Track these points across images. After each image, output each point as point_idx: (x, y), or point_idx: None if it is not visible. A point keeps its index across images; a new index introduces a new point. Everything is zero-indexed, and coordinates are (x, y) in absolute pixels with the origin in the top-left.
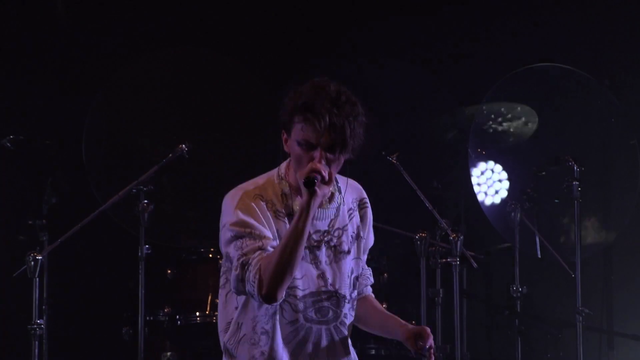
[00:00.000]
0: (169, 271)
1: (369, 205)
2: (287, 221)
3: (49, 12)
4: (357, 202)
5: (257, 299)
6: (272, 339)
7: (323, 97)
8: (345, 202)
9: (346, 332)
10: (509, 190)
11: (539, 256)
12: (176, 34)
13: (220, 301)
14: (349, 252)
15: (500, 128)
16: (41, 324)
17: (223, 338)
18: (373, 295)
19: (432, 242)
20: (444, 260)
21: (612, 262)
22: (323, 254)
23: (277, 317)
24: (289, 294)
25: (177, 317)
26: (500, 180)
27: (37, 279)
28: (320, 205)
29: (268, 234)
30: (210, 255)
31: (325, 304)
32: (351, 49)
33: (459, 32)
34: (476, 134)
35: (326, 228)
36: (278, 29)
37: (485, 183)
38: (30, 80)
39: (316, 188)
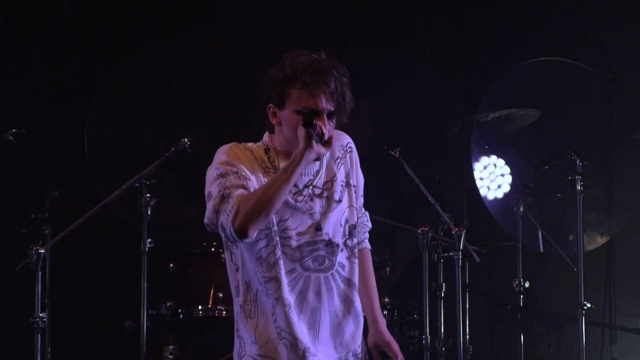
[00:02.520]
0: (172, 265)
1: (354, 148)
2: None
3: (52, 7)
4: (343, 148)
5: (228, 230)
6: (280, 284)
7: (322, 65)
8: (333, 152)
9: (345, 282)
10: (512, 184)
11: (542, 250)
12: (179, 29)
13: (228, 271)
14: (340, 200)
15: (501, 115)
16: (44, 317)
17: (238, 302)
18: (368, 252)
19: (434, 236)
20: (446, 254)
21: (614, 256)
22: (316, 204)
23: (280, 263)
24: (283, 243)
25: (180, 310)
26: (502, 175)
27: (40, 273)
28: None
29: (253, 178)
30: (213, 249)
31: (322, 252)
32: (354, 42)
33: (462, 26)
34: (478, 126)
35: (316, 179)
36: (281, 22)
37: (487, 177)
38: (32, 74)
39: (312, 140)
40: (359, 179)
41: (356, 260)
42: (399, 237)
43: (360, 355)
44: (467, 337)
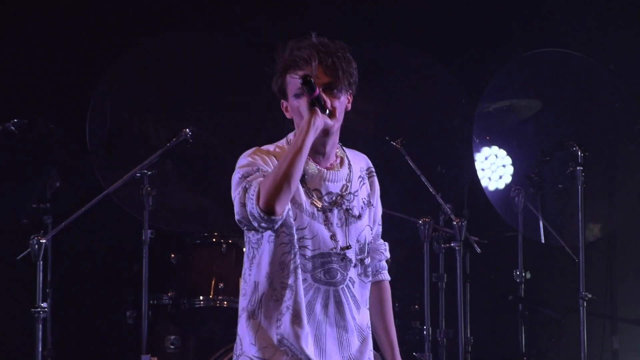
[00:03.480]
0: (173, 255)
1: (375, 174)
2: None
3: None
4: (366, 171)
5: (257, 214)
6: (296, 292)
7: (306, 41)
8: (354, 170)
9: (353, 297)
10: (513, 175)
11: (543, 241)
12: (181, 18)
13: (244, 266)
14: (359, 217)
15: (503, 106)
16: (45, 308)
17: (243, 302)
18: (387, 285)
19: (435, 227)
20: (447, 245)
21: (615, 247)
22: (335, 216)
23: (299, 271)
24: (299, 253)
25: (181, 301)
26: (504, 165)
27: (41, 263)
28: (332, 168)
29: None
30: (214, 240)
31: (335, 265)
32: (357, 34)
33: (465, 17)
34: (480, 117)
35: (338, 191)
36: (283, 12)
37: (489, 168)
38: (34, 64)
39: (316, 107)
40: (378, 209)
41: (367, 280)
42: (401, 228)
43: None
44: (468, 327)
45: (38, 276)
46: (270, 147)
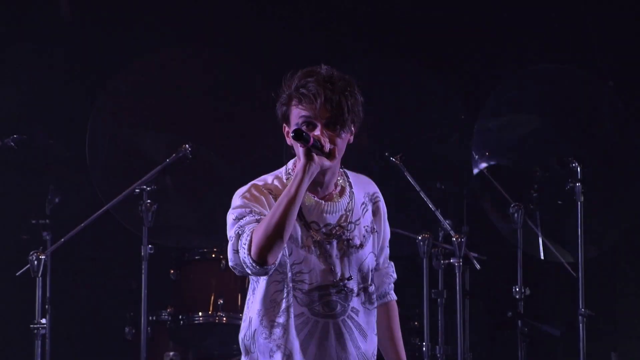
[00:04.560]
0: (172, 271)
1: (381, 198)
2: None
3: (53, 12)
4: (370, 197)
5: (248, 263)
6: (287, 331)
7: (315, 76)
8: (357, 197)
9: (358, 328)
10: (512, 191)
11: (542, 257)
12: (180, 34)
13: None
14: (361, 246)
15: (502, 122)
16: (44, 324)
17: (241, 333)
18: (394, 305)
19: (435, 243)
20: (446, 261)
21: (615, 263)
22: (334, 247)
23: (292, 310)
24: (295, 287)
25: (180, 317)
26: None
27: (40, 279)
28: (330, 199)
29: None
30: (213, 256)
31: (334, 297)
32: (355, 48)
33: (463, 32)
34: (479, 133)
35: (335, 222)
36: (283, 28)
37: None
38: (33, 79)
39: (313, 153)
40: (385, 230)
41: (372, 307)
42: (400, 244)
43: None
44: (467, 343)
45: (37, 292)
46: (268, 179)
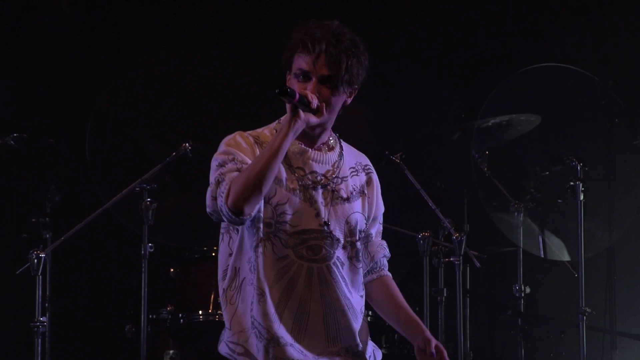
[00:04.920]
0: (172, 270)
1: (374, 172)
2: None
3: (53, 11)
4: (362, 166)
5: (225, 211)
6: (257, 270)
7: (322, 29)
8: (347, 160)
9: (343, 279)
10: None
11: (542, 256)
12: (181, 33)
13: (219, 253)
14: (347, 199)
15: (502, 121)
16: (44, 322)
17: (222, 286)
18: (390, 277)
19: (435, 241)
20: (447, 259)
21: (615, 261)
22: (319, 194)
23: (259, 250)
24: (278, 228)
25: (180, 315)
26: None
27: (40, 277)
28: (319, 149)
29: (250, 161)
30: (213, 254)
31: (317, 242)
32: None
33: (463, 31)
34: (479, 132)
35: (323, 172)
36: (282, 28)
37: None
38: (33, 78)
39: (299, 109)
40: (378, 204)
41: (359, 265)
42: (400, 242)
43: (364, 354)
44: (468, 342)
45: (37, 290)
46: (259, 130)
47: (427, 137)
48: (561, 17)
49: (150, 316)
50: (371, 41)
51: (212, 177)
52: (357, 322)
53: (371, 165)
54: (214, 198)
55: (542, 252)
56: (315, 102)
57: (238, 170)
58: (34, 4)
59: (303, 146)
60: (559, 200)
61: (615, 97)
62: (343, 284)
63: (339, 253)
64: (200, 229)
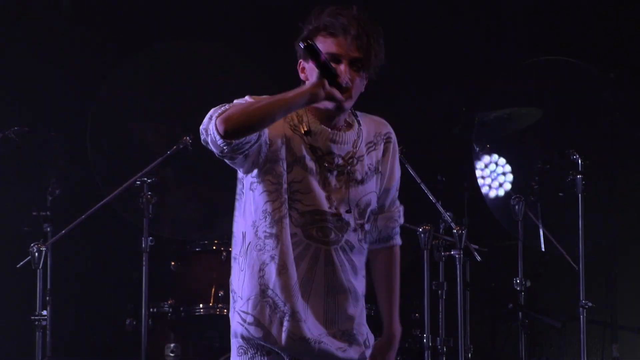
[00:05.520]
0: (173, 263)
1: (393, 139)
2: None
3: (53, 5)
4: (381, 136)
5: (212, 126)
6: (282, 242)
7: (347, 14)
8: (365, 135)
9: (350, 262)
10: (513, 183)
11: (543, 249)
12: (181, 27)
13: (233, 221)
14: (362, 181)
15: (503, 114)
16: (45, 315)
17: (233, 252)
18: (397, 250)
19: (435, 235)
20: (447, 253)
21: (615, 255)
22: (334, 177)
23: (285, 221)
24: (291, 205)
25: (181, 308)
26: (504, 174)
27: (41, 270)
28: (338, 129)
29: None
30: (214, 247)
31: (329, 225)
32: None
33: (464, 25)
34: (480, 125)
35: (342, 154)
36: (282, 22)
37: (489, 176)
38: (34, 71)
39: (325, 79)
40: (394, 172)
41: (366, 246)
42: (401, 235)
43: (357, 337)
44: (468, 335)
45: (38, 284)
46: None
47: (428, 131)
48: (562, 9)
49: (151, 309)
50: None
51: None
52: (357, 306)
53: (391, 131)
54: (210, 117)
55: (542, 246)
56: (346, 79)
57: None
58: None
59: (323, 126)
60: (560, 194)
61: (616, 90)
62: (349, 267)
63: (349, 236)
64: (201, 222)
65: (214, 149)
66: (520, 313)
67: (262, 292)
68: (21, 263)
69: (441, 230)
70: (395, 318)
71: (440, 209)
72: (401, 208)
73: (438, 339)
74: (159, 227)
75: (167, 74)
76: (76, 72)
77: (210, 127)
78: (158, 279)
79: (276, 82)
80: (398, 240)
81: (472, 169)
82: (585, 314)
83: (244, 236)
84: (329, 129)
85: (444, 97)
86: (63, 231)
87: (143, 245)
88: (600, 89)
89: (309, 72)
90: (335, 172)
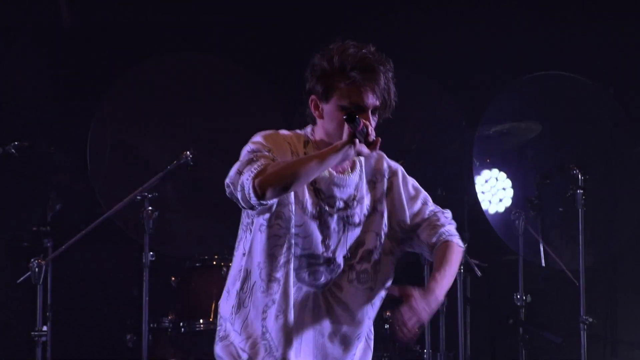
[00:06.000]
0: (173, 278)
1: (397, 172)
2: None
3: (53, 19)
4: (384, 173)
5: (247, 187)
6: (284, 287)
7: (368, 60)
8: (366, 174)
9: (341, 304)
10: (513, 198)
11: (543, 264)
12: (181, 40)
13: (235, 252)
14: (359, 224)
15: (503, 129)
16: (45, 331)
17: (235, 287)
18: (452, 245)
19: None
20: None
21: (616, 270)
22: (334, 221)
23: (290, 266)
24: (292, 247)
25: (181, 324)
26: (504, 188)
27: (41, 286)
28: (343, 172)
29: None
30: (214, 263)
31: (320, 268)
32: None
33: (464, 39)
34: (480, 140)
35: (344, 197)
36: (285, 36)
37: (489, 191)
38: (34, 86)
39: (357, 138)
40: (413, 195)
41: (365, 287)
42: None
43: None
44: (469, 350)
45: (38, 299)
46: (287, 133)
47: (428, 145)
48: (561, 25)
49: (152, 325)
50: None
51: (243, 157)
52: (350, 350)
53: (390, 164)
54: (240, 172)
55: (542, 261)
56: (373, 136)
57: (272, 160)
58: (35, 11)
59: (329, 169)
60: (560, 209)
61: (615, 104)
62: (340, 310)
63: (338, 278)
64: (202, 237)
65: (242, 204)
66: (520, 328)
67: (263, 334)
68: (21, 278)
69: None
70: (438, 283)
71: None
72: (444, 213)
73: (439, 354)
74: (160, 242)
75: (167, 88)
76: (76, 86)
77: (246, 187)
78: (158, 294)
79: (278, 96)
80: (455, 240)
81: (472, 184)
82: (585, 329)
83: (248, 274)
84: (334, 172)
85: (444, 111)
86: (63, 246)
87: (144, 261)
88: (599, 104)
89: (328, 114)
90: (335, 217)
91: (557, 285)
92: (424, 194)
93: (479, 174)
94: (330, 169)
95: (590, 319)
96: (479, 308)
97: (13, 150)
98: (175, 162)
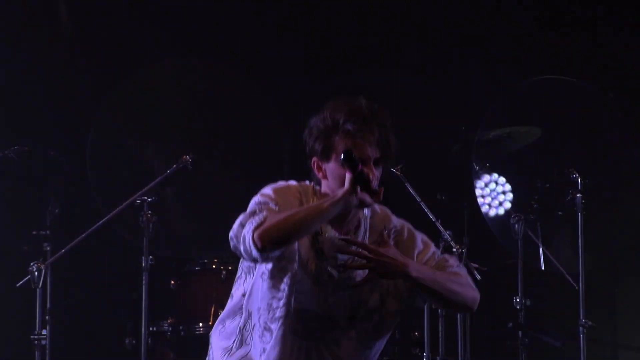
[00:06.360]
0: (172, 282)
1: (402, 231)
2: None
3: (52, 23)
4: (389, 232)
5: (247, 240)
6: (276, 339)
7: (363, 113)
8: (371, 234)
9: (340, 358)
10: (513, 202)
11: (543, 268)
12: (181, 45)
13: (234, 287)
14: (361, 284)
15: (502, 133)
16: (44, 335)
17: (234, 321)
18: (459, 272)
19: None
20: None
21: (616, 274)
22: (334, 281)
23: (287, 321)
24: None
25: (180, 327)
26: (504, 192)
27: (41, 289)
28: (348, 231)
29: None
30: (214, 267)
31: (316, 323)
32: (354, 60)
33: (463, 44)
34: (480, 144)
35: (346, 259)
36: (283, 41)
37: (489, 195)
38: (33, 90)
39: (357, 187)
40: (418, 248)
41: (359, 346)
42: None
43: None
44: (468, 354)
45: (37, 303)
46: (293, 184)
47: (428, 149)
48: (560, 29)
49: (151, 328)
50: (370, 53)
51: (249, 208)
52: None
53: (396, 224)
54: (242, 225)
55: (542, 265)
56: (376, 184)
57: (277, 213)
58: (34, 17)
59: (334, 232)
60: (560, 213)
61: (615, 108)
62: None
63: (335, 334)
64: (201, 241)
65: (245, 257)
66: (520, 332)
67: None
68: (21, 282)
69: (441, 249)
70: (422, 267)
71: (440, 227)
72: (451, 259)
73: (438, 358)
74: (159, 246)
75: (167, 92)
76: (75, 91)
77: (247, 240)
78: (158, 298)
79: (277, 101)
80: (464, 272)
81: (472, 188)
82: (585, 333)
83: (249, 314)
84: (338, 234)
85: (443, 115)
86: (62, 250)
87: (143, 264)
88: (599, 108)
89: (331, 173)
90: (335, 277)
91: (556, 289)
92: (434, 247)
93: (478, 178)
94: (334, 230)
95: (590, 323)
96: (478, 312)
97: (12, 155)
98: (174, 166)
